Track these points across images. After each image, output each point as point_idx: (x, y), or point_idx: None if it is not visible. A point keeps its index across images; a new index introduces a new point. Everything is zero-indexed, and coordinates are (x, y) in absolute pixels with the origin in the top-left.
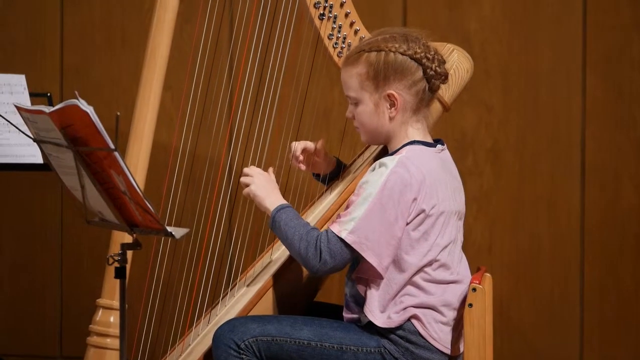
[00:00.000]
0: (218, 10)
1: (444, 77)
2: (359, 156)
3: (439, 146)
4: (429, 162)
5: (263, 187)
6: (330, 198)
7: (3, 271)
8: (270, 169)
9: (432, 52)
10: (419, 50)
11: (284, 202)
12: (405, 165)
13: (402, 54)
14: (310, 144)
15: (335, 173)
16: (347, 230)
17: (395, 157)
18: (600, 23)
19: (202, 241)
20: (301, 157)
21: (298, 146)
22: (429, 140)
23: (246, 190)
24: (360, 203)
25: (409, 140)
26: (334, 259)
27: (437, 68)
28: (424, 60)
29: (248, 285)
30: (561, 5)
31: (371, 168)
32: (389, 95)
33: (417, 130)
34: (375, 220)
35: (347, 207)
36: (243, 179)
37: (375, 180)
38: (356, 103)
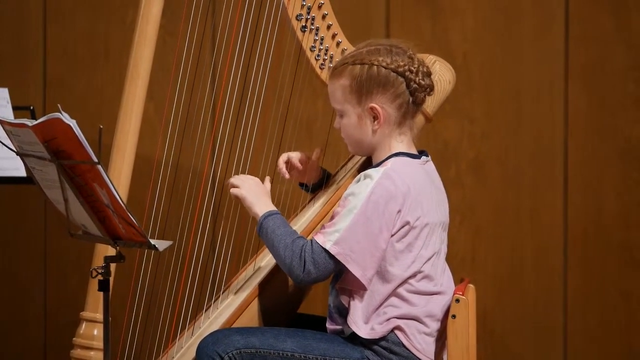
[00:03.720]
0: (200, 22)
1: (429, 89)
2: (341, 167)
3: (423, 158)
4: (414, 174)
5: (253, 191)
6: (313, 209)
7: None
8: (267, 178)
9: (417, 65)
10: (402, 63)
11: (274, 208)
12: (390, 177)
13: (385, 67)
14: (294, 158)
15: (319, 183)
16: (332, 242)
17: (381, 168)
18: (582, 34)
19: (186, 253)
20: (282, 168)
21: (282, 159)
22: (414, 151)
23: (235, 191)
24: (345, 214)
25: (392, 152)
26: (318, 269)
27: (421, 81)
28: (407, 73)
29: (231, 297)
30: (543, 16)
31: (356, 179)
32: (371, 109)
33: (401, 143)
34: (360, 232)
35: (332, 218)
36: (233, 180)
37: (360, 192)
38: (341, 115)
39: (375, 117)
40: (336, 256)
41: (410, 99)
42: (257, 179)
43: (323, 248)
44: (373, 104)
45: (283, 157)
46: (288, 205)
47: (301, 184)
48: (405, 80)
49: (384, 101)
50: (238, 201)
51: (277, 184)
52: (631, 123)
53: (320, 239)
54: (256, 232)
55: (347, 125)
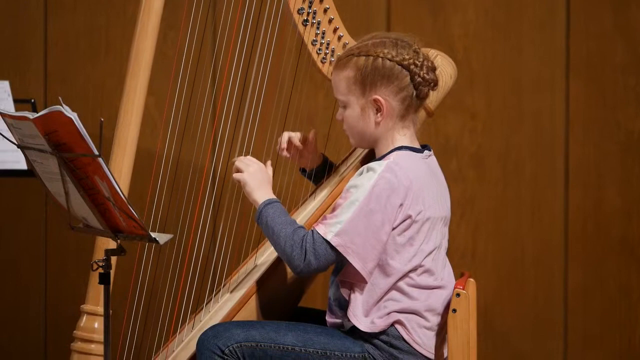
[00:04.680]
0: (202, 16)
1: (434, 84)
2: (343, 161)
3: (426, 152)
4: (416, 168)
5: (256, 177)
6: (315, 203)
7: None
8: (268, 162)
9: (422, 59)
10: (407, 57)
11: (273, 197)
12: (393, 170)
13: (390, 59)
14: (294, 137)
15: (321, 169)
16: (333, 233)
17: (383, 162)
18: (584, 29)
19: (186, 247)
20: (284, 145)
21: (284, 137)
22: (417, 145)
23: (237, 175)
24: (347, 206)
25: (395, 146)
26: (319, 260)
27: (426, 75)
28: (412, 67)
29: (232, 291)
30: (544, 11)
31: (359, 172)
32: (375, 101)
33: (403, 137)
34: (362, 225)
35: (334, 209)
36: (238, 164)
37: (362, 184)
38: (344, 106)
39: (378, 110)
40: (337, 247)
41: (414, 93)
42: (261, 165)
43: (324, 239)
44: (377, 96)
45: (284, 137)
46: (290, 198)
47: (302, 171)
48: (409, 74)
49: (387, 94)
50: (239, 185)
51: (279, 175)
52: (632, 118)
53: (321, 229)
54: (254, 220)
55: (350, 116)
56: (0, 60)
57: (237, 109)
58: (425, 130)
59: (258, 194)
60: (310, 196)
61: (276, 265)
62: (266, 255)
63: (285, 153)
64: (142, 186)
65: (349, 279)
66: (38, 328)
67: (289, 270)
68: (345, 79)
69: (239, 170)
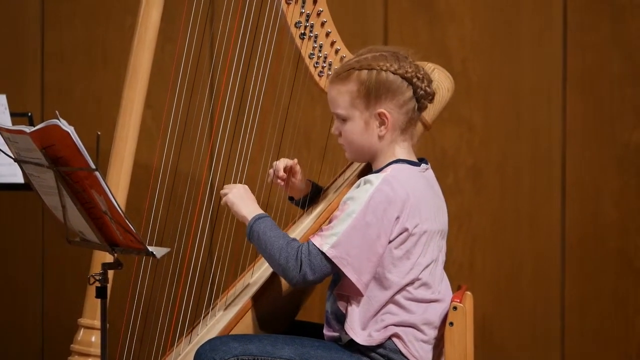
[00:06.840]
0: (199, 29)
1: (432, 97)
2: (339, 175)
3: (423, 165)
4: (414, 181)
5: (240, 196)
6: (311, 217)
7: None
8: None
9: (422, 72)
10: (409, 70)
11: (262, 212)
12: (390, 183)
13: (393, 73)
14: (290, 161)
15: (310, 197)
16: (329, 245)
17: (381, 174)
18: (581, 40)
19: (184, 260)
20: (283, 174)
21: (280, 164)
22: (414, 159)
23: (224, 199)
24: (344, 218)
25: (394, 159)
26: (314, 271)
27: (427, 88)
28: (415, 80)
29: (229, 305)
30: (541, 22)
31: (356, 184)
32: (379, 114)
33: (403, 150)
34: (358, 237)
35: (330, 222)
36: (222, 191)
37: (359, 197)
38: (344, 120)
39: (382, 123)
40: (332, 259)
41: (416, 106)
42: (244, 186)
43: (320, 250)
44: (382, 110)
45: (280, 167)
46: (286, 212)
47: (290, 198)
48: (412, 87)
49: (391, 107)
50: (227, 208)
51: (275, 191)
52: (629, 129)
53: (317, 241)
54: (246, 236)
55: (351, 131)
56: None
57: (234, 121)
58: (423, 143)
59: (246, 210)
60: (307, 210)
61: (273, 279)
62: (263, 268)
63: (278, 181)
64: (139, 199)
65: (346, 292)
66: (35, 342)
67: (286, 283)
68: (348, 93)
69: (224, 195)
